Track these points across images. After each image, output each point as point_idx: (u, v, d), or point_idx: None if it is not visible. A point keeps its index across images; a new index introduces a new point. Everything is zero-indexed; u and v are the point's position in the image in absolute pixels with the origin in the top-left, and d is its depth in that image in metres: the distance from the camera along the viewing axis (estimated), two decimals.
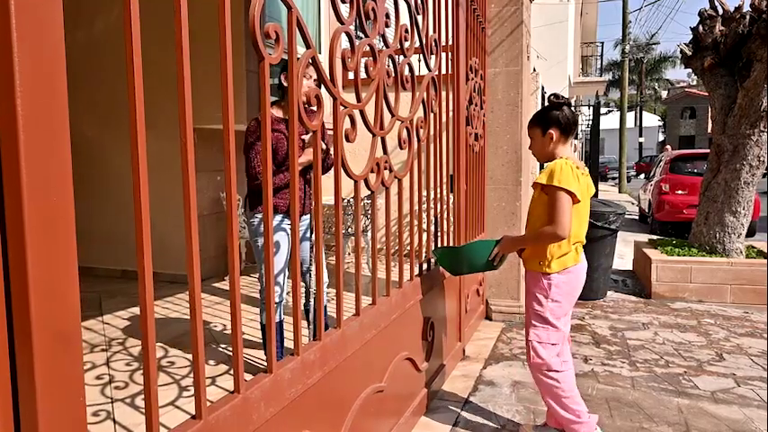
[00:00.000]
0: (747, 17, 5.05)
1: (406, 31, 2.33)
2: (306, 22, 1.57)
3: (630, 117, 38.07)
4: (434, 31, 2.83)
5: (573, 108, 2.27)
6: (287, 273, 2.85)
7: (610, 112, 32.29)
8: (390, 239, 2.30)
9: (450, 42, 3.22)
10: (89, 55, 5.17)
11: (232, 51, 1.25)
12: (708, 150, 6.25)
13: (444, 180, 3.01)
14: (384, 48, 2.13)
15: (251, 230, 2.85)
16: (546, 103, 2.35)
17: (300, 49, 1.54)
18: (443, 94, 3.05)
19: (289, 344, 2.82)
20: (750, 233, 6.93)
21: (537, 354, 2.25)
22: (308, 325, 3.01)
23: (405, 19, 2.32)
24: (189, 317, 1.21)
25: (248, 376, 1.45)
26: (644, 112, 34.94)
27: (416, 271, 2.66)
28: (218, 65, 1.23)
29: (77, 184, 0.92)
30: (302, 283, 2.99)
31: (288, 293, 3.11)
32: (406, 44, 2.33)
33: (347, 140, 1.86)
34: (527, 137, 2.41)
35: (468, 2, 3.50)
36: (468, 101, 3.53)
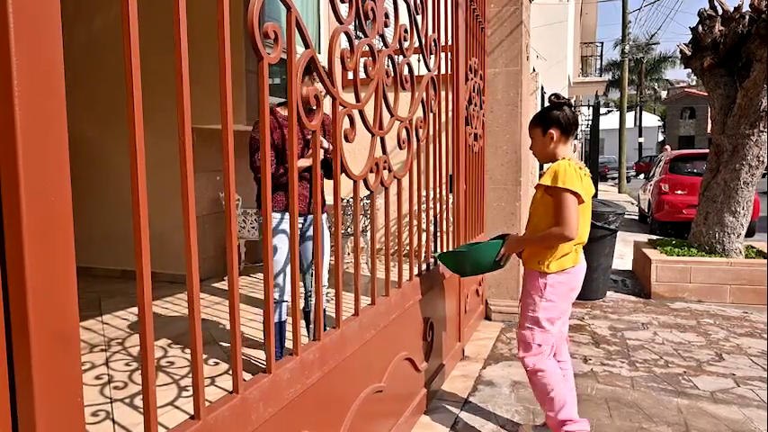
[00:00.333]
0: (747, 17, 5.05)
1: (406, 31, 2.33)
2: (305, 21, 1.57)
3: (630, 117, 38.07)
4: (434, 31, 2.83)
5: (573, 108, 2.27)
6: (287, 273, 2.85)
7: (609, 112, 32.33)
8: (390, 239, 2.30)
9: (449, 42, 3.22)
10: (88, 54, 5.16)
11: (231, 51, 1.25)
12: (707, 150, 6.25)
13: (444, 180, 3.01)
14: (383, 48, 2.13)
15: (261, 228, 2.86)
16: (546, 103, 2.35)
17: (300, 49, 1.54)
18: (443, 94, 3.05)
19: (289, 344, 2.82)
20: (749, 233, 6.93)
21: (519, 350, 2.32)
22: (307, 325, 3.01)
23: (404, 19, 2.32)
24: (188, 317, 1.21)
25: (248, 376, 1.45)
26: (643, 113, 34.98)
27: (416, 271, 2.66)
28: (217, 64, 1.22)
29: (76, 184, 0.92)
30: (301, 284, 2.99)
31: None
32: (406, 44, 2.33)
33: (346, 140, 1.86)
34: (527, 137, 2.42)
35: (467, 2, 3.50)
36: (467, 101, 3.53)
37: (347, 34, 1.78)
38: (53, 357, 0.87)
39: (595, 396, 2.88)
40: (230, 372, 1.45)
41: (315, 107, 1.66)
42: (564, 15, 15.89)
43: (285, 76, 2.79)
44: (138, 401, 2.60)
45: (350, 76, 5.59)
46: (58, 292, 0.88)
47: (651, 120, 44.49)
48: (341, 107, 1.78)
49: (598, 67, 23.62)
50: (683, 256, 5.20)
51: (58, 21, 0.87)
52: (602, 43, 24.55)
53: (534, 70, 9.82)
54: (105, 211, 5.27)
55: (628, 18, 21.11)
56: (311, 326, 2.92)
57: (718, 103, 5.38)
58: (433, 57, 2.78)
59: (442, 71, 3.01)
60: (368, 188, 2.02)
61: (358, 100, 1.88)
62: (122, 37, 1.01)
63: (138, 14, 1.03)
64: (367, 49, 1.94)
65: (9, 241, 0.84)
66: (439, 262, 2.80)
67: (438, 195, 2.98)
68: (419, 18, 2.51)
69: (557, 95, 2.26)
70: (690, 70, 5.89)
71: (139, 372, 2.93)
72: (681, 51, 5.79)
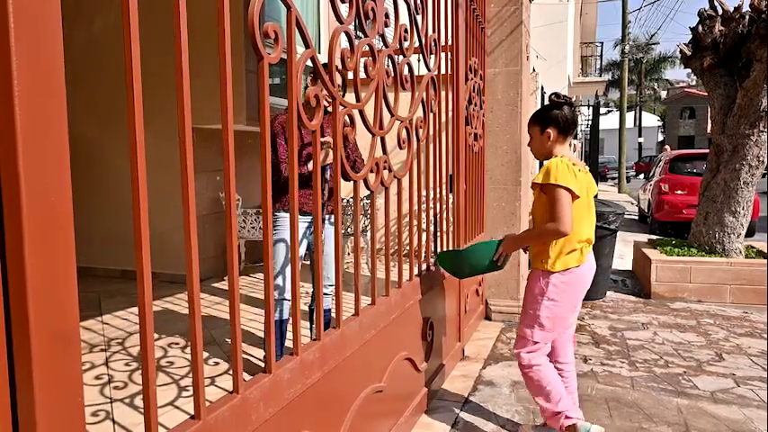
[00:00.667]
0: (747, 17, 5.05)
1: (406, 30, 2.33)
2: (305, 21, 1.56)
3: (630, 117, 38.09)
4: (434, 31, 2.83)
5: (573, 107, 2.27)
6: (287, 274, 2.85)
7: (609, 112, 32.31)
8: (390, 239, 2.30)
9: (449, 42, 3.22)
10: (88, 55, 5.16)
11: (231, 51, 1.25)
12: (707, 150, 6.25)
13: (444, 180, 3.01)
14: (383, 47, 2.13)
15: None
16: (546, 103, 2.35)
17: (300, 49, 1.54)
18: (443, 94, 3.05)
19: (289, 343, 2.82)
20: (749, 233, 6.93)
21: (516, 345, 2.34)
22: (311, 325, 3.01)
23: (404, 19, 2.32)
24: (187, 316, 1.21)
25: (248, 376, 1.45)
26: (643, 113, 34.98)
27: (416, 271, 2.66)
28: (216, 64, 1.22)
29: (76, 184, 0.92)
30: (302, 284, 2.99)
31: (306, 293, 3.13)
32: (406, 44, 2.33)
33: (346, 141, 1.86)
34: (527, 137, 2.42)
35: (467, 2, 3.50)
36: (467, 101, 3.53)
37: (347, 34, 1.78)
38: (53, 357, 0.87)
39: (595, 396, 2.88)
40: (230, 372, 1.45)
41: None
42: (564, 15, 15.90)
43: (285, 76, 2.79)
44: (138, 401, 2.60)
45: (350, 75, 5.57)
46: (59, 292, 0.88)
47: (651, 120, 44.51)
48: (341, 107, 1.78)
49: (598, 67, 23.63)
50: (683, 256, 5.21)
51: (59, 21, 0.87)
52: (602, 43, 24.58)
53: (534, 70, 9.83)
54: (105, 211, 5.27)
55: (628, 18, 21.11)
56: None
57: (718, 103, 5.38)
58: (433, 57, 2.78)
59: (442, 71, 3.01)
60: (368, 188, 2.02)
61: (358, 100, 1.88)
62: (123, 38, 1.01)
63: (138, 16, 1.03)
64: (367, 48, 1.94)
65: (9, 241, 0.84)
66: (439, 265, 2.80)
67: (438, 195, 2.98)
68: (419, 18, 2.51)
69: (557, 94, 2.25)
70: (690, 70, 5.89)
71: (139, 372, 2.93)
72: (681, 51, 5.79)
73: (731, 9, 5.31)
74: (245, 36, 4.65)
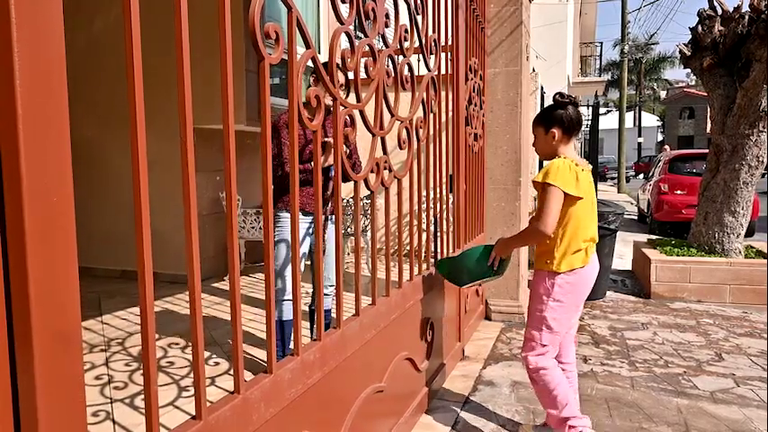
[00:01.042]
0: (746, 17, 5.06)
1: (406, 31, 2.33)
2: (305, 21, 1.57)
3: (629, 117, 38.12)
4: (434, 32, 2.83)
5: (578, 106, 2.25)
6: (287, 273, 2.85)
7: (609, 112, 32.29)
8: (390, 239, 2.30)
9: (449, 42, 3.22)
10: (89, 55, 5.16)
11: (232, 51, 1.25)
12: (707, 150, 6.25)
13: (444, 180, 3.01)
14: (384, 48, 2.13)
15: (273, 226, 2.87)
16: (546, 103, 2.34)
17: (300, 49, 1.54)
18: (443, 94, 3.05)
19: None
20: (749, 233, 6.94)
21: (524, 348, 2.32)
22: (311, 325, 3.02)
23: (404, 19, 2.32)
24: (189, 317, 1.21)
25: (249, 376, 1.45)
26: (643, 113, 35.02)
27: (416, 271, 2.66)
28: (217, 65, 1.22)
29: (76, 185, 0.92)
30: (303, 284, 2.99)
31: (307, 293, 3.12)
32: (406, 44, 2.33)
33: (347, 140, 1.86)
34: (527, 137, 2.42)
35: (467, 2, 3.50)
36: (467, 101, 3.53)
37: (348, 34, 1.78)
38: (54, 357, 0.87)
39: (595, 396, 2.88)
40: (231, 372, 1.45)
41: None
42: (563, 15, 15.90)
43: (285, 75, 2.79)
44: (139, 402, 2.60)
45: (350, 75, 5.57)
46: (60, 293, 0.88)
47: (650, 120, 44.51)
48: (342, 107, 1.78)
49: (597, 67, 23.65)
50: (683, 256, 5.21)
51: (60, 20, 0.87)
52: (602, 43, 24.60)
53: (534, 70, 9.82)
54: (105, 211, 5.27)
55: (627, 18, 21.12)
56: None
57: (717, 103, 5.38)
58: (433, 57, 2.78)
59: (442, 71, 3.01)
60: (368, 188, 2.02)
61: (359, 100, 1.88)
62: (123, 38, 1.01)
63: (139, 14, 1.03)
64: (367, 49, 1.94)
65: (11, 241, 0.84)
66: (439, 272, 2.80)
67: (438, 195, 2.98)
68: (419, 18, 2.51)
69: (561, 94, 2.23)
70: (689, 70, 5.90)
71: (140, 372, 2.93)
72: (680, 51, 5.79)
73: (731, 9, 5.31)
74: (245, 36, 4.65)
